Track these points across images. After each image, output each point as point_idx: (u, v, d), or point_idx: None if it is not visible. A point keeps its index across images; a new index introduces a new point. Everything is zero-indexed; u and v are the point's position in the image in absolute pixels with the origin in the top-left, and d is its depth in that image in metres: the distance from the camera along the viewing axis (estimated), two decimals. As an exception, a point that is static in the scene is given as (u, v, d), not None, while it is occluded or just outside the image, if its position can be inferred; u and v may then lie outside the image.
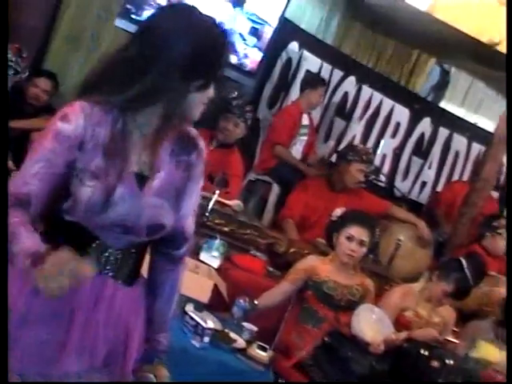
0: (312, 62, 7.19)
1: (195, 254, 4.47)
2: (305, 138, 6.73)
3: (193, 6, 2.14)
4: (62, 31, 6.14)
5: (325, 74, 7.22)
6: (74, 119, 1.99)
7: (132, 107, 2.04)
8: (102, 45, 6.12)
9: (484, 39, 5.58)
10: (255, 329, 4.35)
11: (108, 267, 2.10)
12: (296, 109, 6.66)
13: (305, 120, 6.69)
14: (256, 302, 4.44)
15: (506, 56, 5.54)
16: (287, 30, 6.78)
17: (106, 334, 2.12)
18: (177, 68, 2.00)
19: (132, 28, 5.09)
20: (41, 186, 1.98)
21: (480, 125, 8.04)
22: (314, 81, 6.86)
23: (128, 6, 5.04)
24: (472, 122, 8.12)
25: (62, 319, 2.05)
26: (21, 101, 5.52)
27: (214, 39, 2.06)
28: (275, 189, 6.48)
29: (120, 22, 5.09)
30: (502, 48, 5.59)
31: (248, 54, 6.17)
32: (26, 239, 1.88)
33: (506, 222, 6.43)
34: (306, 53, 7.14)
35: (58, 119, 2.00)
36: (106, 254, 2.09)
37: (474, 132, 7.99)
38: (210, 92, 2.10)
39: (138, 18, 5.08)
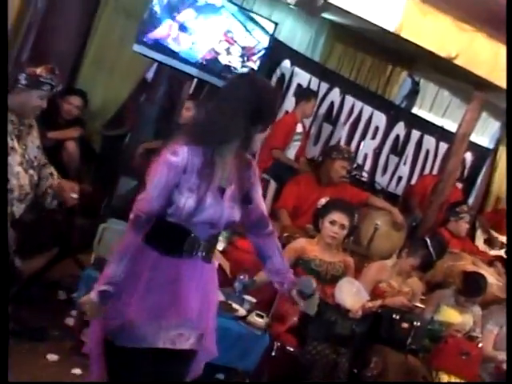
0: (302, 77, 7.20)
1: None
2: (298, 143, 6.77)
3: (254, 73, 2.70)
4: (90, 55, 6.22)
5: (313, 87, 7.23)
6: (181, 153, 2.51)
7: (219, 144, 2.56)
8: (122, 67, 6.24)
9: (443, 54, 5.62)
10: (254, 300, 4.46)
11: (198, 253, 2.61)
12: (292, 118, 6.69)
13: (299, 128, 6.72)
14: (255, 279, 4.55)
15: (507, 58, 5.54)
16: (280, 49, 6.78)
17: (197, 297, 2.60)
18: (248, 118, 2.53)
19: (147, 52, 5.18)
20: (160, 203, 2.51)
21: (446, 127, 8.04)
22: (307, 94, 6.88)
23: (142, 33, 5.07)
24: (439, 124, 8.13)
25: (171, 288, 2.56)
26: (56, 115, 5.64)
27: (270, 97, 2.63)
28: (272, 184, 6.49)
29: (137, 47, 5.12)
30: (459, 61, 5.65)
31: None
32: (114, 266, 2.52)
33: (467, 209, 6.54)
34: (296, 69, 7.15)
35: (169, 154, 2.51)
36: (197, 244, 2.60)
37: (441, 133, 7.99)
38: (267, 133, 2.68)
39: (150, 43, 5.09)
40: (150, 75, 6.88)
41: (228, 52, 5.34)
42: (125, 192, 6.25)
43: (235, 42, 5.35)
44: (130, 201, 5.76)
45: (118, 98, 6.44)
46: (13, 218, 3.67)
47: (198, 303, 2.61)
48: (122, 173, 6.36)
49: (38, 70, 3.68)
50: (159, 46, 5.08)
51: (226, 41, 5.32)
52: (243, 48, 5.38)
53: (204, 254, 2.63)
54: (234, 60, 5.36)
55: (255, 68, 5.43)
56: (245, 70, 5.40)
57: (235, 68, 5.37)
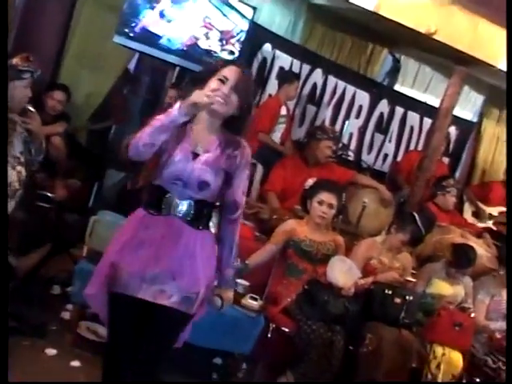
0: (284, 60, 7.19)
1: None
2: (283, 125, 6.77)
3: None
4: (72, 49, 6.19)
5: (295, 69, 7.22)
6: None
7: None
8: (104, 60, 6.20)
9: (422, 30, 5.64)
10: (247, 284, 4.49)
11: (176, 212, 2.77)
12: (276, 102, 6.68)
13: (283, 111, 6.71)
14: (247, 262, 4.56)
15: (507, 56, 5.62)
16: (260, 33, 6.76)
17: (179, 256, 2.76)
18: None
19: (128, 43, 5.17)
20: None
21: (429, 102, 8.02)
22: (290, 76, 6.87)
23: (123, 24, 5.05)
24: (422, 100, 8.11)
25: (153, 243, 2.76)
26: (40, 111, 5.63)
27: None
28: (259, 168, 6.53)
29: (118, 39, 5.10)
30: (438, 37, 5.67)
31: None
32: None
33: (453, 182, 6.56)
34: (278, 52, 7.14)
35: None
36: (174, 203, 2.77)
37: (424, 109, 7.97)
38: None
39: (132, 35, 5.08)
40: (132, 66, 6.88)
41: (207, 37, 5.36)
42: (112, 184, 6.27)
43: (213, 26, 5.37)
44: (118, 192, 5.83)
45: (101, 91, 6.42)
46: (4, 215, 3.69)
47: (179, 262, 2.76)
48: (109, 166, 6.38)
49: (14, 61, 3.67)
50: (140, 36, 5.10)
51: (205, 26, 5.35)
52: (221, 32, 5.42)
53: (183, 214, 2.77)
54: (213, 44, 5.39)
55: (235, 51, 5.44)
56: (225, 53, 5.42)
57: (215, 52, 5.40)
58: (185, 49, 5.29)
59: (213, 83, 2.76)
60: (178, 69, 6.05)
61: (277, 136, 6.76)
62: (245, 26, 5.50)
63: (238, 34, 5.46)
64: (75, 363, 3.94)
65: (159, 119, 2.67)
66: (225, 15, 5.41)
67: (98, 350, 4.08)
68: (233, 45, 5.45)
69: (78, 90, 6.07)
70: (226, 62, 2.91)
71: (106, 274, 2.80)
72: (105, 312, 2.90)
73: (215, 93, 2.72)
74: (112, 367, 2.88)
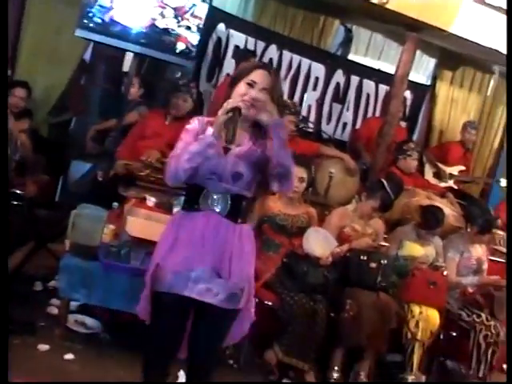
0: (238, 38, 7.26)
1: (169, 210, 4.57)
2: None
3: None
4: (26, 45, 6.16)
5: (250, 46, 7.29)
6: (193, 122, 2.96)
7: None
8: (59, 53, 6.21)
9: (375, 0, 5.72)
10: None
11: (213, 207, 2.84)
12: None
13: None
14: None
15: (507, 56, 5.69)
16: (213, 14, 6.71)
17: (216, 249, 2.82)
18: None
19: (90, 35, 5.15)
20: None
21: (383, 69, 8.13)
22: (245, 54, 6.91)
23: (82, 17, 5.02)
24: (376, 68, 8.20)
25: (194, 241, 2.82)
26: (4, 109, 5.60)
27: None
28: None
29: (80, 32, 5.07)
30: (390, 6, 5.76)
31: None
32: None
33: (413, 146, 6.66)
34: (232, 31, 7.20)
35: (187, 124, 2.96)
36: (211, 197, 2.84)
37: (379, 76, 8.06)
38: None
39: (96, 27, 5.06)
40: (87, 56, 6.84)
41: (163, 16, 5.36)
42: (80, 176, 6.26)
43: (166, 4, 5.37)
44: (89, 184, 5.81)
45: (59, 84, 6.42)
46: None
47: (221, 259, 2.82)
48: (73, 157, 6.36)
49: None
50: (100, 27, 5.06)
51: (159, 6, 5.34)
52: (174, 9, 5.40)
53: (220, 208, 2.85)
54: (170, 22, 5.39)
55: (192, 26, 5.46)
56: (182, 29, 5.44)
57: (173, 30, 5.40)
58: (144, 31, 5.28)
59: (240, 88, 2.87)
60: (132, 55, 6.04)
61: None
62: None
63: (190, 8, 5.46)
64: (69, 356, 3.98)
65: (196, 145, 2.79)
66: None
67: (88, 342, 4.20)
68: (188, 20, 5.46)
69: (35, 84, 6.03)
70: (254, 67, 2.94)
71: (151, 274, 2.85)
72: (147, 312, 2.94)
73: (243, 97, 2.83)
74: (156, 367, 2.93)
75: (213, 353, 2.95)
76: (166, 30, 5.38)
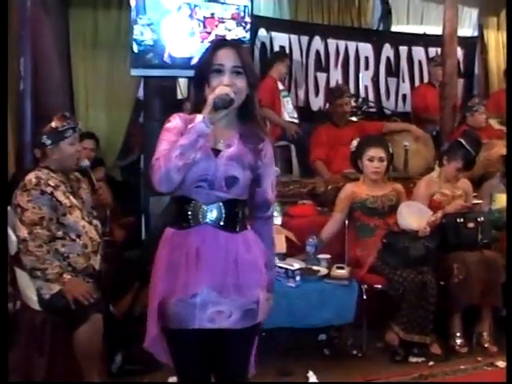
0: (281, 39, 7.28)
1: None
2: (288, 98, 6.85)
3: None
4: (79, 95, 6.27)
5: (294, 44, 7.31)
6: (173, 119, 2.47)
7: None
8: (114, 96, 6.30)
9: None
10: (329, 256, 4.57)
11: (206, 219, 2.41)
12: (271, 80, 6.66)
13: (280, 86, 6.77)
14: (320, 237, 4.68)
15: (507, 56, 5.57)
16: (253, 21, 6.79)
17: (217, 266, 2.39)
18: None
19: (149, 72, 5.26)
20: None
21: (428, 32, 8.04)
22: (279, 55, 6.96)
23: (135, 58, 5.11)
24: (421, 32, 8.12)
25: (191, 261, 2.38)
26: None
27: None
28: (293, 149, 6.61)
29: (135, 71, 5.16)
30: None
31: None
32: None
33: (478, 100, 6.54)
34: (273, 33, 7.22)
35: (166, 123, 2.47)
36: (202, 209, 2.40)
37: (426, 40, 7.97)
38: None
39: (150, 63, 5.14)
40: (141, 94, 6.95)
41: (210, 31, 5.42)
42: (162, 211, 6.33)
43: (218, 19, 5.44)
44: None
45: (120, 128, 6.50)
46: (94, 270, 3.79)
47: (225, 276, 2.40)
48: (150, 194, 6.46)
49: (53, 124, 3.75)
50: (154, 61, 5.15)
51: (203, 23, 5.41)
52: (232, 19, 5.47)
53: (214, 220, 2.41)
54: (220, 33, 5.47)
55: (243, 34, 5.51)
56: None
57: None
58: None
59: (214, 80, 2.40)
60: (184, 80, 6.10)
61: (290, 107, 6.83)
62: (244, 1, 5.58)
63: (242, 13, 5.51)
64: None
65: (185, 138, 2.30)
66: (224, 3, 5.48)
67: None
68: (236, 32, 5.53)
69: (98, 132, 6.09)
70: (215, 48, 2.46)
71: (156, 308, 2.42)
72: (165, 353, 2.53)
73: (216, 90, 2.34)
74: None
75: (240, 376, 2.54)
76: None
